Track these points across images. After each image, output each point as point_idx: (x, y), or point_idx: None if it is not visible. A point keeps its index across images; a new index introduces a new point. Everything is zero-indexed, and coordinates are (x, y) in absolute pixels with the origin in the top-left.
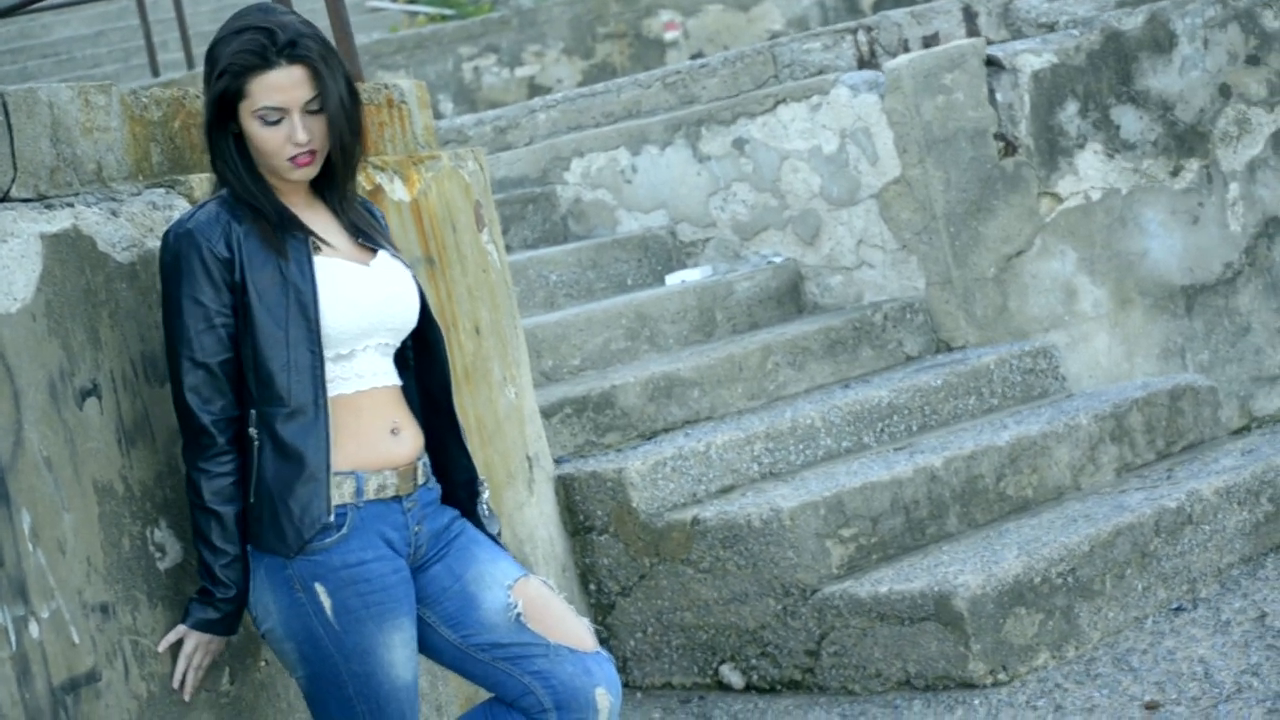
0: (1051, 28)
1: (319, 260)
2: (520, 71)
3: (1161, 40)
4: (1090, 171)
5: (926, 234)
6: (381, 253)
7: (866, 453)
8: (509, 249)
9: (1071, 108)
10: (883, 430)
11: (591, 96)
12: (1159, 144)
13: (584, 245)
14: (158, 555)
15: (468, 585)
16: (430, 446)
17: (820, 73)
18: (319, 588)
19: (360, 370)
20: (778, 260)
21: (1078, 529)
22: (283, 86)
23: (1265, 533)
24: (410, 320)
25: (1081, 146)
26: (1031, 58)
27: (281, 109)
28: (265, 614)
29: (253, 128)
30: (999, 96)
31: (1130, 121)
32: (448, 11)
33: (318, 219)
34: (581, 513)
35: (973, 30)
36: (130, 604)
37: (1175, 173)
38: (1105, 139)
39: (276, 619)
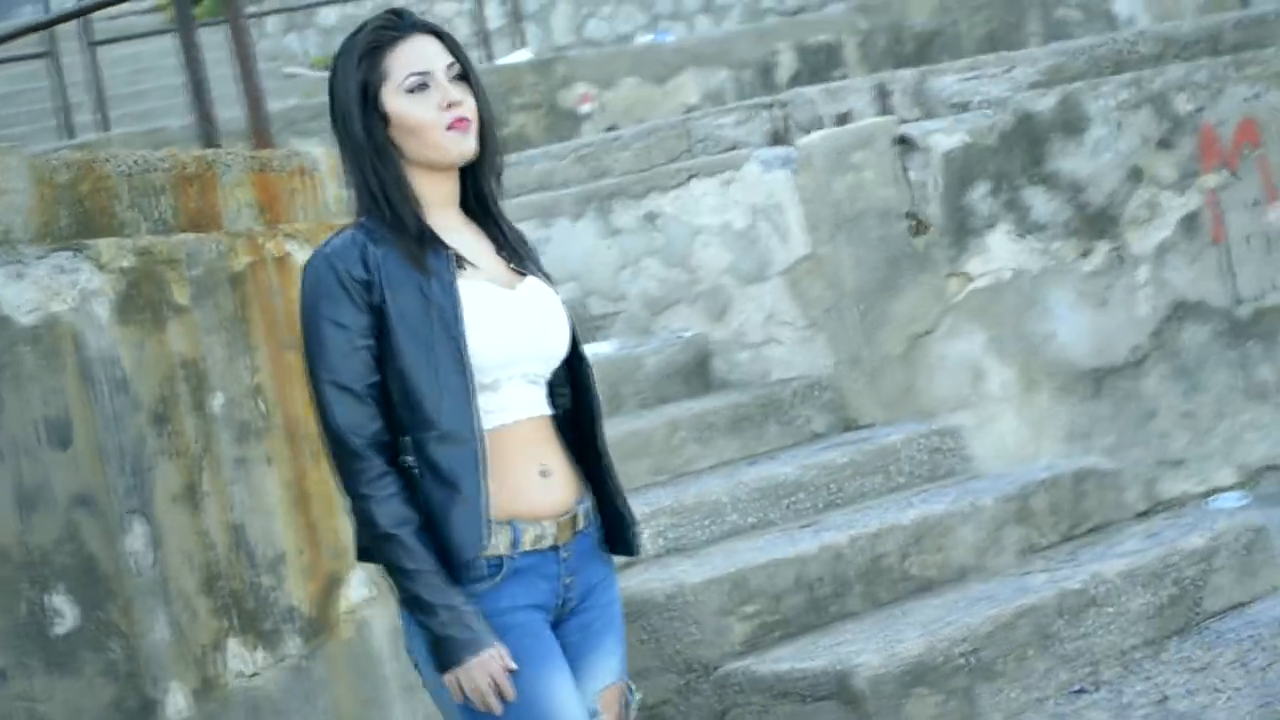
0: (964, 108)
1: (462, 280)
2: None
3: (1074, 122)
4: (1000, 252)
5: (835, 312)
6: (530, 277)
7: (772, 529)
8: None
9: (983, 188)
10: (789, 507)
11: (505, 167)
12: (1069, 226)
13: None
14: (54, 620)
15: (578, 667)
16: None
17: (733, 148)
18: None
19: (505, 402)
20: (687, 335)
21: (980, 609)
22: (423, 52)
23: (1168, 616)
24: (561, 350)
25: (992, 227)
26: (943, 137)
27: (425, 72)
28: (422, 662)
29: (401, 106)
30: (910, 175)
31: (1041, 203)
32: None
33: (465, 240)
34: None
35: (886, 109)
36: (24, 671)
37: (1085, 255)
38: (1016, 220)
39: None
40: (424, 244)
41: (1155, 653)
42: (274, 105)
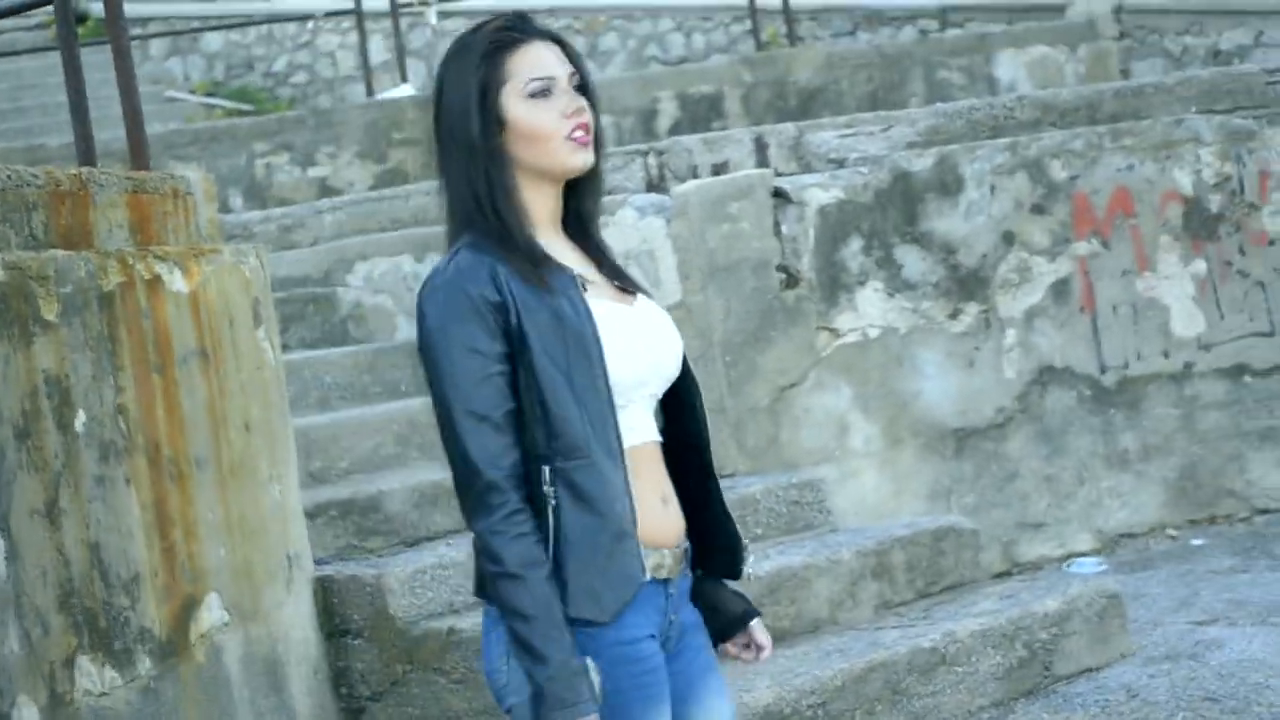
0: (841, 164)
1: (589, 300)
2: (313, 171)
3: (949, 183)
4: (870, 309)
5: (704, 361)
6: (640, 295)
7: None
8: (287, 348)
9: (855, 244)
10: None
11: (380, 201)
12: (940, 286)
13: (362, 349)
14: None
15: (679, 712)
16: (686, 509)
17: (609, 193)
18: (590, 663)
19: (633, 424)
20: None
21: (831, 662)
22: (546, 58)
23: (1018, 678)
24: (677, 368)
25: (863, 283)
26: (819, 192)
27: (549, 78)
28: (514, 689)
29: (522, 110)
30: (784, 229)
31: (913, 262)
32: (245, 106)
33: (571, 258)
34: (338, 615)
35: (763, 161)
36: None
37: (954, 315)
38: (887, 277)
39: (522, 697)
40: (538, 261)
41: (1003, 714)
42: (154, 128)
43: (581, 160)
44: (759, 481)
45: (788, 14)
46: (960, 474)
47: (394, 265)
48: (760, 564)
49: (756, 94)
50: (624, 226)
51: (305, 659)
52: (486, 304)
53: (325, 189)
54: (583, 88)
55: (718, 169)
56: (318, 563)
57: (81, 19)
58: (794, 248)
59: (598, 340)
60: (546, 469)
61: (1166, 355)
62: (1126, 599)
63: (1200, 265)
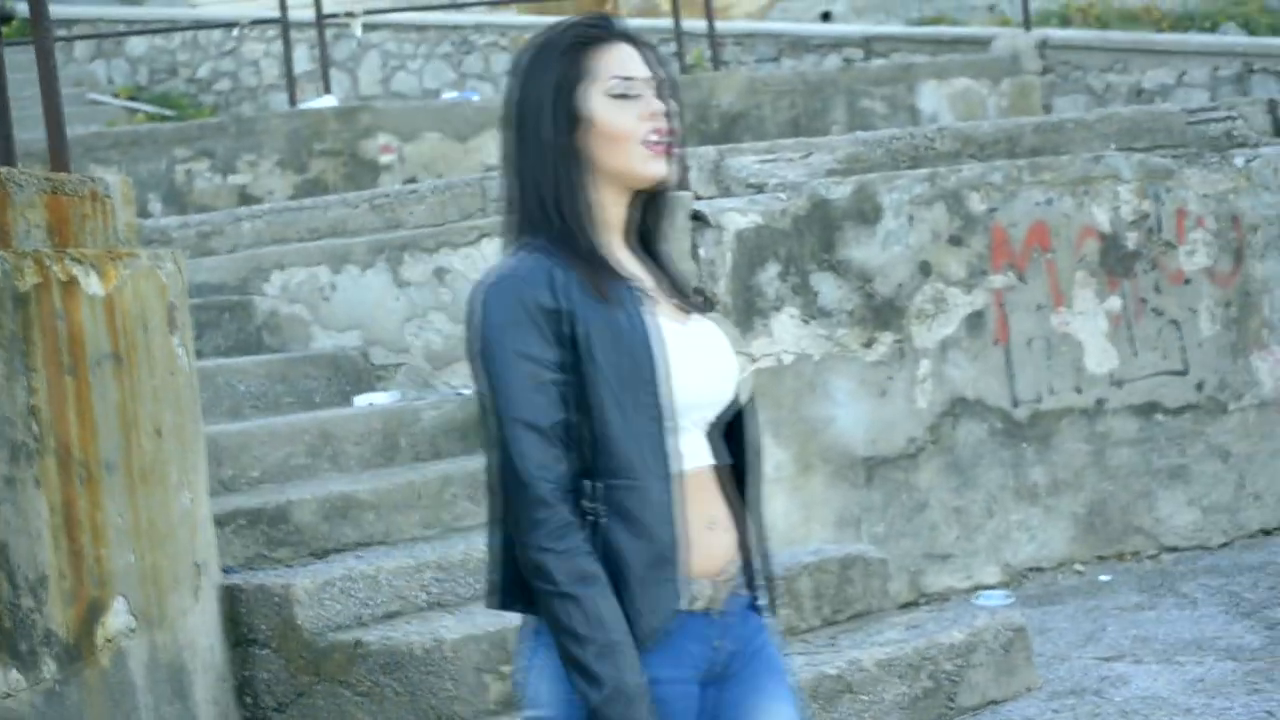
0: (761, 189)
1: (648, 315)
2: (233, 179)
3: (867, 212)
4: (784, 335)
5: None
6: (698, 315)
7: None
8: (201, 355)
9: (772, 270)
10: None
11: (299, 211)
12: (855, 314)
13: (276, 359)
14: None
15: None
16: None
17: None
18: None
19: (685, 448)
20: (467, 393)
21: None
22: (630, 58)
23: (922, 708)
24: (731, 393)
25: (778, 309)
26: (737, 216)
27: (632, 79)
28: (537, 703)
29: (601, 108)
30: (702, 252)
31: (829, 289)
32: (168, 112)
33: (636, 270)
34: (245, 624)
35: (682, 184)
36: None
37: (868, 344)
38: (803, 304)
39: (551, 712)
40: (599, 269)
41: None
42: (76, 130)
43: (655, 170)
44: None
45: (713, 38)
46: (870, 503)
47: (311, 275)
48: None
49: (680, 116)
50: None
51: (210, 667)
52: (541, 310)
53: (245, 197)
54: (665, 94)
55: None
56: (226, 571)
57: (6, 19)
58: (711, 271)
59: (653, 357)
60: (592, 485)
61: (1079, 391)
62: (1032, 633)
63: (1115, 302)
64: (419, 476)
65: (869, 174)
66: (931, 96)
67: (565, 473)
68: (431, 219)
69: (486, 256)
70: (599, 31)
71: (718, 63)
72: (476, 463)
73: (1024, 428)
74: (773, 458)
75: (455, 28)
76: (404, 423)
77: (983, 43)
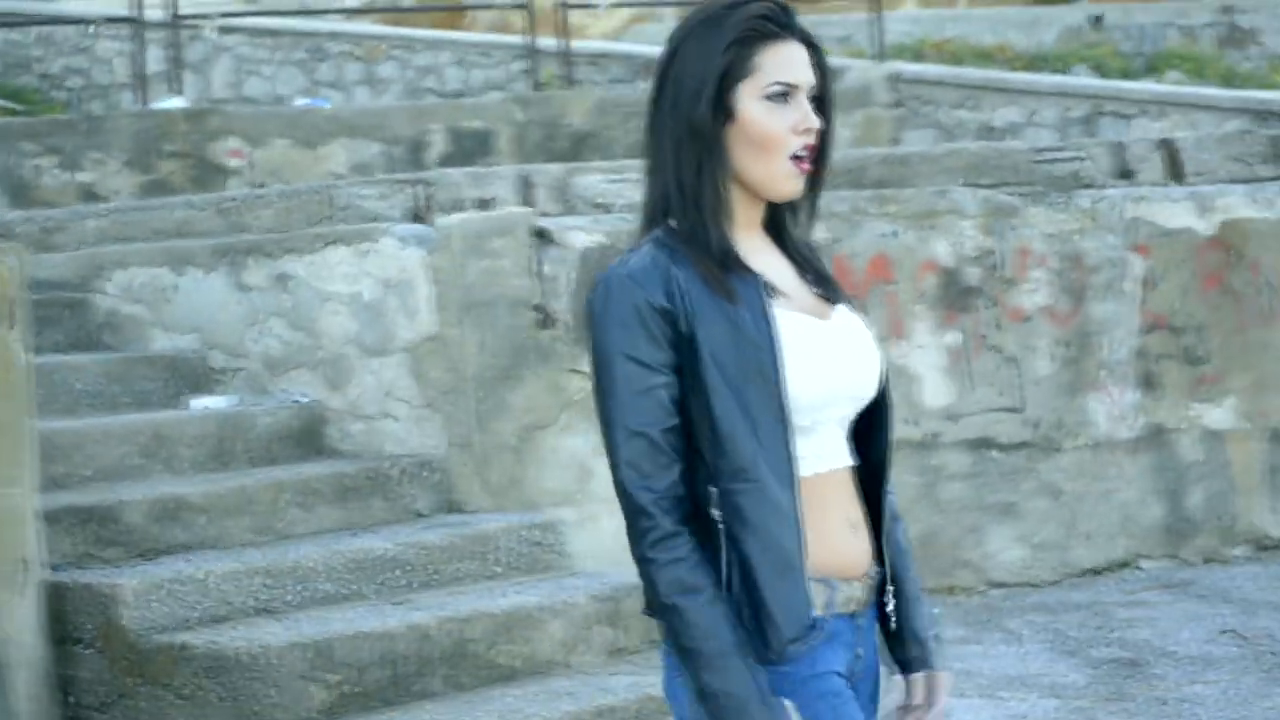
0: (606, 209)
1: (775, 310)
2: (80, 176)
3: None
4: None
5: (454, 394)
6: (841, 306)
7: (363, 603)
8: (39, 351)
9: None
10: (383, 583)
11: (144, 211)
12: None
13: (114, 358)
14: None
15: None
16: None
17: (373, 220)
18: (787, 704)
19: (820, 449)
20: (303, 400)
21: (560, 704)
22: (797, 61)
23: None
24: (873, 389)
25: None
26: (582, 235)
27: (794, 85)
28: (681, 711)
29: (754, 112)
30: (545, 269)
31: None
32: (18, 107)
33: (769, 263)
34: (70, 623)
35: (528, 200)
36: None
37: None
38: None
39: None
40: (727, 266)
41: None
42: None
43: (793, 188)
44: (500, 519)
45: (566, 56)
46: None
47: (152, 276)
48: (495, 601)
49: (529, 133)
50: (385, 255)
51: (31, 664)
52: (652, 310)
53: (91, 195)
54: (820, 101)
55: (483, 204)
56: (52, 568)
57: None
58: (553, 288)
59: (777, 356)
60: (714, 490)
61: (916, 424)
62: None
63: (954, 336)
64: (251, 482)
65: None
66: None
67: (672, 483)
68: (277, 224)
69: (330, 265)
70: (774, 26)
71: (570, 81)
72: (310, 470)
73: None
74: (604, 477)
75: (310, 35)
76: (239, 428)
77: (835, 74)
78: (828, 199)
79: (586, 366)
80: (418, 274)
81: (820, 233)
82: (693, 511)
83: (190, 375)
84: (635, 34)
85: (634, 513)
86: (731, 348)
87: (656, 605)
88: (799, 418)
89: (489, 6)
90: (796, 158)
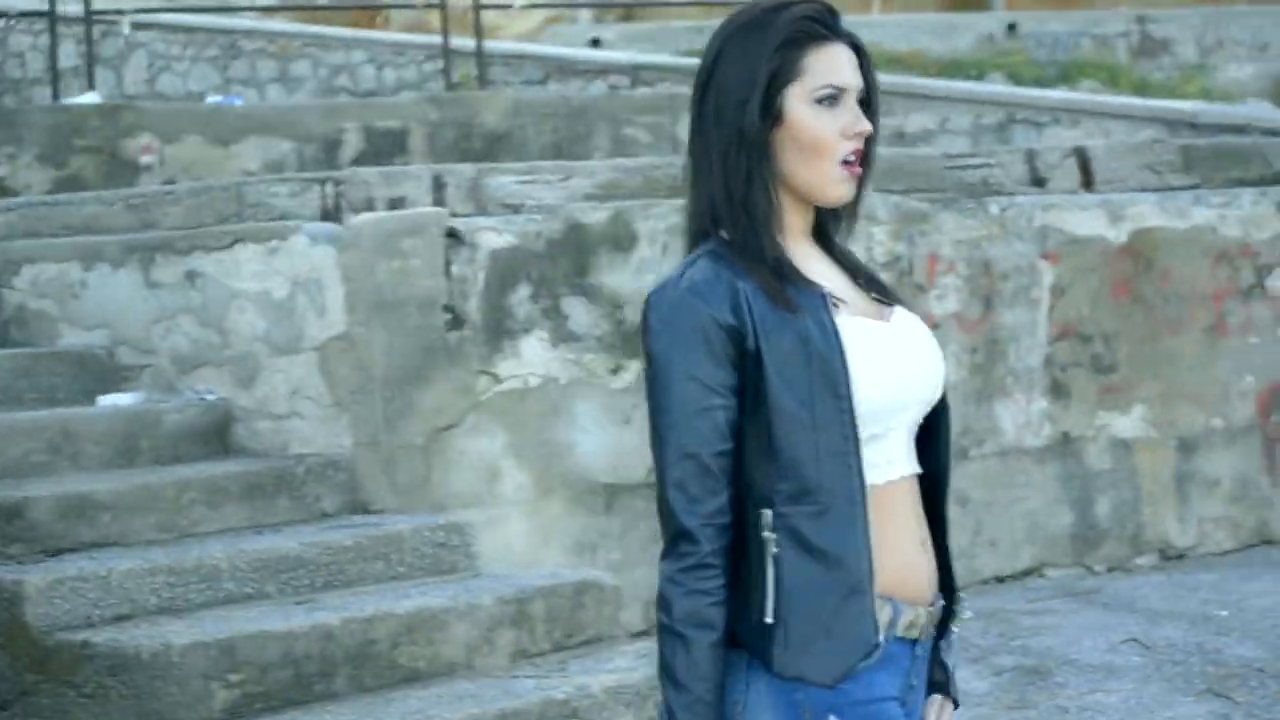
0: (517, 210)
1: (840, 320)
2: None
3: (622, 239)
4: (532, 357)
5: (362, 394)
6: (898, 308)
7: (267, 602)
8: None
9: (523, 291)
10: (287, 582)
11: (53, 206)
12: (604, 340)
13: (21, 353)
14: None
15: None
16: None
17: (283, 218)
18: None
19: (891, 455)
20: (211, 398)
21: (463, 707)
22: (844, 63)
23: None
24: (938, 390)
25: (528, 331)
26: (492, 236)
27: (842, 88)
28: None
29: (804, 115)
30: (455, 269)
31: (580, 314)
32: None
33: (823, 270)
34: None
35: (440, 200)
36: None
37: (615, 371)
38: (552, 327)
39: None
40: (784, 276)
41: None
42: None
43: (842, 193)
44: (406, 520)
45: (480, 57)
46: (608, 530)
47: (61, 271)
48: (400, 602)
49: (442, 133)
50: (294, 253)
51: None
52: (718, 327)
53: (3, 189)
54: (866, 104)
55: (394, 204)
56: None
57: None
58: (462, 289)
59: (846, 369)
60: (769, 513)
61: None
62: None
63: None
64: (157, 479)
65: (627, 201)
66: None
67: (719, 508)
68: (187, 221)
69: (240, 262)
70: (821, 28)
71: (484, 82)
72: (216, 469)
73: None
74: (513, 479)
75: (225, 32)
76: (146, 425)
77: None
78: None
79: (496, 367)
80: (328, 273)
81: None
82: (735, 539)
83: (98, 372)
84: (550, 36)
85: (676, 535)
86: (800, 363)
87: (664, 627)
88: (870, 425)
89: (404, 6)
90: (846, 162)
